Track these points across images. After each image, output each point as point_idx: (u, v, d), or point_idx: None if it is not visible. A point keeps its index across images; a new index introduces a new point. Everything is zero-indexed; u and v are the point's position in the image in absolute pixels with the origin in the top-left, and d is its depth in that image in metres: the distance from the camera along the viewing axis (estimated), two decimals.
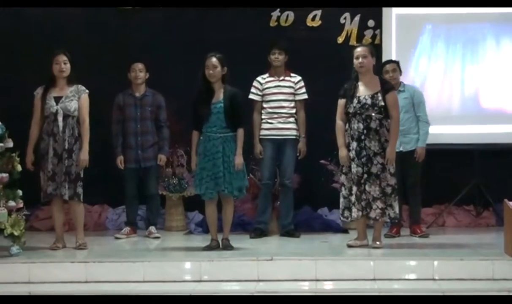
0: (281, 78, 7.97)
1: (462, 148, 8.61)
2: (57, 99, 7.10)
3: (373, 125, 6.91)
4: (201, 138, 6.98)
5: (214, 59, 6.97)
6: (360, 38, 8.88)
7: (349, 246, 7.08)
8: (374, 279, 6.28)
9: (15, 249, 6.74)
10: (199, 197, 7.11)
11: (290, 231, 7.93)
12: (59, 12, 8.70)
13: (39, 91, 7.18)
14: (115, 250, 7.31)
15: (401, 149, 7.68)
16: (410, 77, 8.24)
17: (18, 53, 8.84)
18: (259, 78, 8.01)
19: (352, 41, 8.81)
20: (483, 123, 8.66)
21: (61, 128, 7.06)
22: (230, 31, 8.79)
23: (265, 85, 7.97)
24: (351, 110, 6.94)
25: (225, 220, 7.11)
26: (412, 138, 7.77)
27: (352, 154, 6.93)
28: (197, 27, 8.88)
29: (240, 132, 6.99)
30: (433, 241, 7.59)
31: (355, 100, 6.94)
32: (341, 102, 7.02)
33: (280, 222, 8.06)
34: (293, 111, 7.96)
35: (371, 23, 8.90)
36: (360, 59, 6.98)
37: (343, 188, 7.03)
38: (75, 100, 7.12)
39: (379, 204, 6.91)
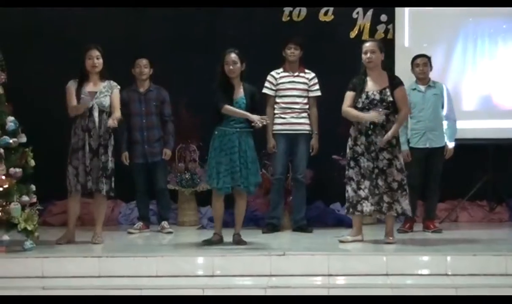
0: (296, 73, 7.96)
1: (475, 143, 8.58)
2: (92, 95, 7.12)
3: (380, 120, 6.90)
4: (216, 132, 6.99)
5: (233, 55, 6.96)
6: (373, 33, 8.87)
7: (341, 241, 7.08)
8: (387, 274, 6.26)
9: (28, 243, 6.77)
10: (211, 192, 7.11)
11: (302, 226, 7.93)
12: (70, 10, 8.71)
13: (71, 85, 7.16)
14: (128, 245, 7.34)
15: (427, 145, 7.69)
16: None
17: (30, 50, 8.87)
18: (273, 73, 8.00)
19: (365, 36, 8.78)
20: (497, 118, 8.63)
21: (97, 124, 7.08)
22: (243, 26, 8.79)
23: (279, 80, 7.96)
24: (359, 105, 6.94)
25: (238, 215, 7.11)
26: (439, 135, 7.75)
27: (362, 148, 6.94)
28: (210, 22, 8.88)
29: None
30: (446, 236, 7.57)
31: (363, 95, 6.94)
32: (350, 94, 7.01)
33: (292, 217, 8.06)
34: (306, 107, 7.95)
35: (383, 17, 8.89)
36: (369, 54, 6.97)
37: (352, 182, 7.02)
38: (108, 95, 7.16)
39: (385, 198, 6.91)
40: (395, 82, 7.00)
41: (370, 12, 8.89)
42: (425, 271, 6.35)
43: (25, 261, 6.49)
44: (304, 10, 8.95)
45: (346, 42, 8.80)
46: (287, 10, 8.96)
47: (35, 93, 7.91)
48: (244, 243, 7.01)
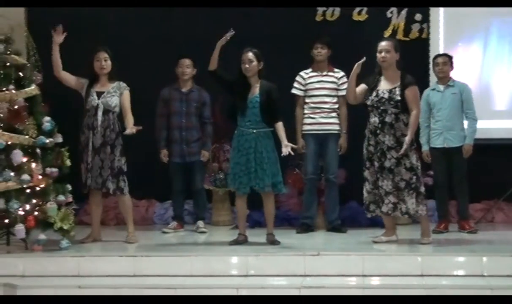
0: (324, 73, 7.96)
1: (511, 143, 8.48)
2: (99, 94, 7.23)
3: (388, 119, 6.87)
4: (236, 132, 7.04)
5: (250, 54, 6.99)
6: (407, 32, 8.81)
7: (375, 242, 7.05)
8: (422, 275, 6.24)
9: (64, 243, 6.85)
10: None
11: (336, 226, 7.91)
12: (108, 9, 8.76)
13: (84, 81, 7.32)
14: (163, 245, 7.38)
15: (444, 145, 7.63)
16: (457, 71, 8.12)
17: (66, 51, 8.92)
18: (302, 73, 8.01)
19: (399, 36, 8.72)
20: None
21: (100, 122, 7.16)
22: (276, 25, 8.76)
23: (308, 80, 7.96)
24: (369, 103, 6.95)
25: (267, 215, 7.13)
26: (457, 135, 7.68)
27: (373, 149, 6.91)
28: (244, 21, 8.85)
29: (280, 124, 6.99)
30: (482, 237, 7.51)
31: (374, 93, 6.94)
32: (362, 85, 7.02)
33: (326, 217, 8.04)
34: (336, 106, 7.94)
35: (418, 17, 8.81)
36: (383, 54, 6.97)
37: (366, 183, 7.00)
38: (116, 96, 7.24)
39: (391, 198, 6.87)
40: (406, 82, 6.94)
41: (404, 12, 8.83)
42: (461, 272, 6.31)
43: (61, 260, 6.58)
44: (337, 10, 8.91)
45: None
46: (320, 9, 8.93)
47: (71, 94, 7.96)
48: (278, 243, 7.02)
